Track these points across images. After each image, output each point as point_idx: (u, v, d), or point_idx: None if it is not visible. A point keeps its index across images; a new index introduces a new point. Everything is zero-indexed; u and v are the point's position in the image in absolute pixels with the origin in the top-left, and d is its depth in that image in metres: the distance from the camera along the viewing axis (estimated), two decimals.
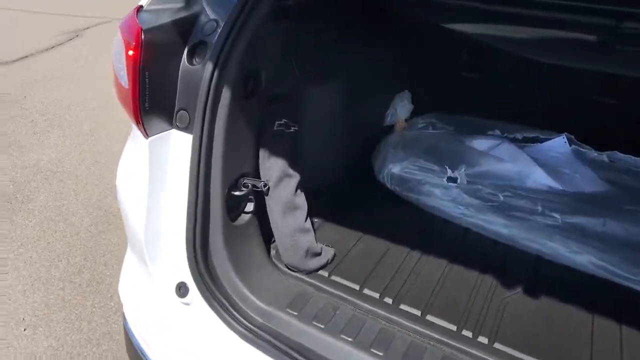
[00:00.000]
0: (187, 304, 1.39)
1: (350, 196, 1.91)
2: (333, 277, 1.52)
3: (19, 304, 2.37)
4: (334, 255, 1.58)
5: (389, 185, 1.93)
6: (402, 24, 2.17)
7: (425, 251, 1.65)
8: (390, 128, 2.25)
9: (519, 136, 2.15)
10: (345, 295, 1.44)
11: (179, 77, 1.32)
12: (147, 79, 1.27)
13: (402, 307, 1.41)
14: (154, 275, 1.51)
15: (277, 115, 1.52)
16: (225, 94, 1.30)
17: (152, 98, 1.30)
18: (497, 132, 2.25)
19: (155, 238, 1.44)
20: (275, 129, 1.52)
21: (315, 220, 1.76)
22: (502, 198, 1.78)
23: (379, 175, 1.96)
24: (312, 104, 1.79)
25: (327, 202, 1.81)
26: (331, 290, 1.46)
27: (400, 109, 2.26)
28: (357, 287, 1.48)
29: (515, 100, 2.26)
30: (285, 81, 1.54)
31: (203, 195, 1.34)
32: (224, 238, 1.41)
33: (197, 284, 1.39)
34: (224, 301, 1.37)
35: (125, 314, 1.61)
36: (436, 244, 1.68)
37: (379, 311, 1.39)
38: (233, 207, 1.47)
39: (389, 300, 1.43)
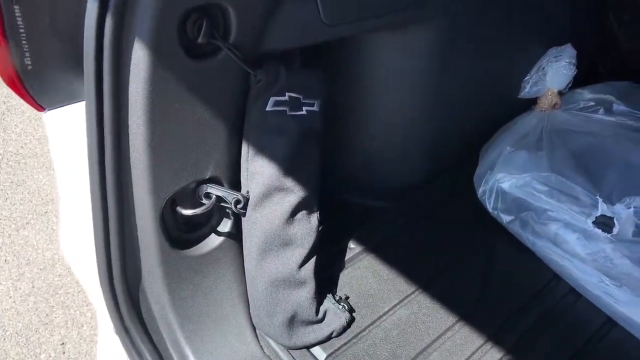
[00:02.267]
0: None
1: (418, 220, 1.20)
2: None
3: None
4: (347, 324, 0.97)
5: (489, 208, 1.17)
6: None
7: (517, 350, 0.93)
8: (528, 104, 1.41)
9: None
10: None
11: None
12: (18, 16, 0.75)
13: None
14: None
15: (273, 85, 0.89)
16: (140, 47, 0.72)
17: (36, 49, 0.78)
18: None
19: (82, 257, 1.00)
20: (268, 109, 0.89)
21: (352, 247, 1.14)
22: None
23: (479, 188, 1.20)
24: (361, 63, 1.09)
25: (374, 226, 1.17)
26: None
27: (554, 73, 1.38)
28: None
29: None
30: (291, 24, 0.87)
31: (116, 209, 0.83)
32: (164, 272, 0.91)
33: (119, 331, 0.92)
34: None
35: None
36: (544, 342, 0.95)
37: None
38: (188, 227, 0.94)
39: None
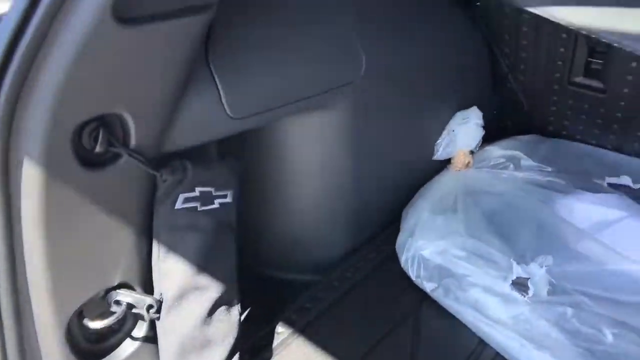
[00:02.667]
0: None
1: (345, 294, 1.19)
2: None
3: None
4: None
5: (412, 276, 1.18)
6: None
7: None
8: (444, 166, 1.46)
9: None
10: None
11: None
12: None
13: None
14: None
15: (181, 183, 0.87)
16: (30, 165, 0.68)
17: None
18: (626, 180, 1.38)
19: None
20: (178, 207, 0.87)
21: (279, 331, 1.11)
22: (610, 338, 0.96)
23: (401, 256, 1.22)
24: (275, 144, 1.11)
25: (301, 305, 1.15)
26: None
27: (463, 134, 1.45)
28: None
29: None
30: (195, 121, 0.86)
31: (14, 333, 0.76)
32: None
33: None
34: None
35: None
36: None
37: None
38: (99, 336, 0.87)
39: None
